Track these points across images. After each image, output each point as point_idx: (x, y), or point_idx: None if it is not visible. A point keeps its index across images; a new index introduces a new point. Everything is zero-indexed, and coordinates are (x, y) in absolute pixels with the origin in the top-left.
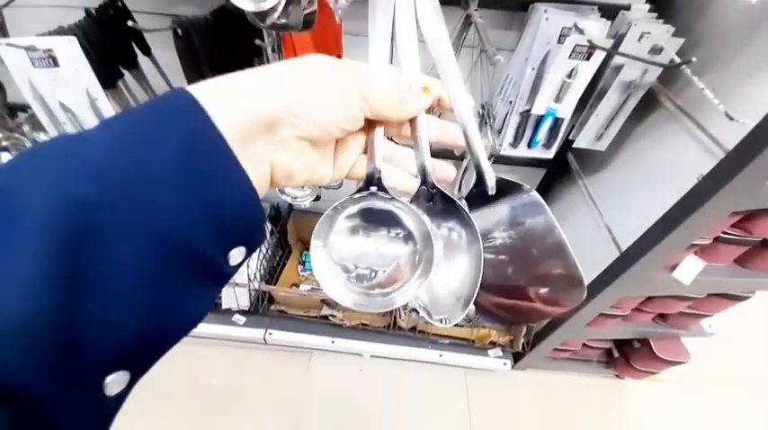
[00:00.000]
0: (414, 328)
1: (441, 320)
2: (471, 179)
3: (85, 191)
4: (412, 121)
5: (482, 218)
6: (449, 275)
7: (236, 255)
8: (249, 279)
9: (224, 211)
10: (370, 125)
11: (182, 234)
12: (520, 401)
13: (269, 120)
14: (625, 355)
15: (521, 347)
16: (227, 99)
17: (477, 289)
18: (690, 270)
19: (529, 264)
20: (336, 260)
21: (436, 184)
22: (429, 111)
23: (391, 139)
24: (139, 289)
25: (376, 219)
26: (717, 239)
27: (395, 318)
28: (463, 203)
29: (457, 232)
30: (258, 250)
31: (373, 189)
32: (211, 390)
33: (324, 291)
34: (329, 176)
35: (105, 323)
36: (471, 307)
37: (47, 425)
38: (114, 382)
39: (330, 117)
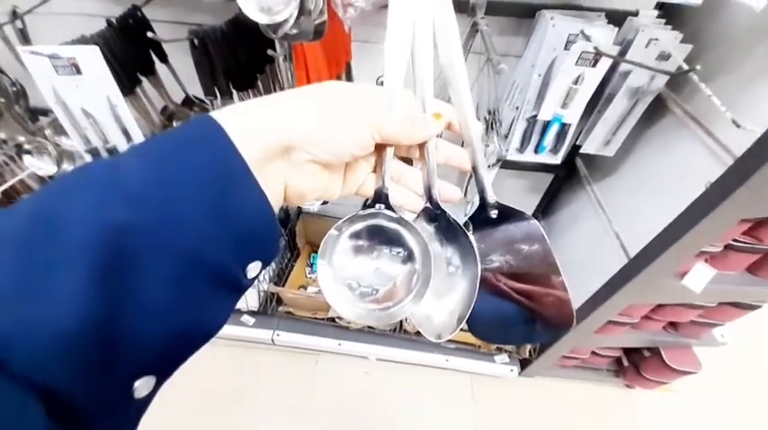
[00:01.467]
0: (419, 332)
1: (434, 336)
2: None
3: (123, 216)
4: (421, 145)
5: (483, 240)
6: (446, 293)
7: (253, 268)
8: (258, 280)
9: (244, 230)
10: (380, 146)
11: (207, 252)
12: (527, 409)
13: (286, 146)
14: (635, 364)
15: (528, 354)
16: (249, 127)
17: (472, 308)
18: (700, 278)
19: (523, 290)
20: (341, 280)
21: (441, 206)
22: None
23: (401, 158)
24: (168, 302)
25: (379, 237)
26: (727, 247)
27: (401, 321)
28: (466, 226)
29: (457, 252)
30: None
31: (380, 206)
32: (219, 390)
33: (331, 305)
34: (339, 193)
35: (138, 333)
36: (464, 324)
37: (82, 423)
38: (142, 386)
39: (343, 146)
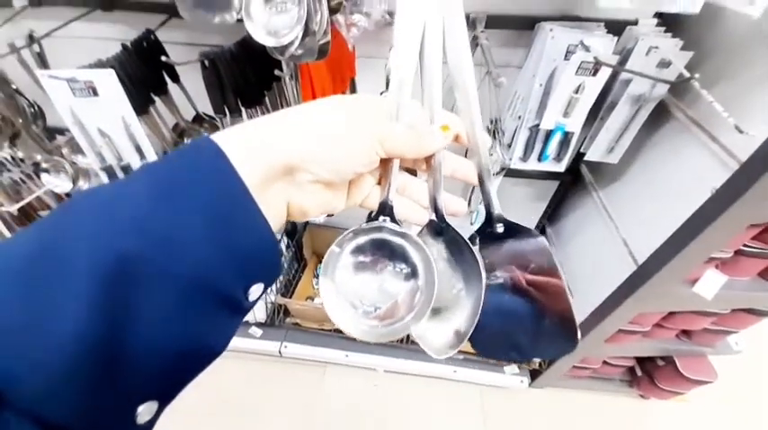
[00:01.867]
0: None
1: (436, 352)
2: (480, 199)
3: (127, 245)
4: (428, 157)
5: (488, 254)
6: (449, 308)
7: (255, 290)
8: (266, 292)
9: (246, 255)
10: (386, 159)
11: (209, 277)
12: (538, 421)
13: (288, 167)
14: (649, 374)
15: (538, 364)
16: (250, 149)
17: (474, 325)
18: (711, 284)
19: (527, 307)
20: (344, 298)
21: (447, 220)
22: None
23: (405, 169)
24: (170, 328)
25: (382, 251)
26: (738, 252)
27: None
28: (472, 240)
29: (462, 267)
30: None
31: (384, 219)
32: (227, 402)
33: (335, 323)
34: (342, 207)
35: (140, 359)
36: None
37: None
38: (145, 412)
39: (346, 164)
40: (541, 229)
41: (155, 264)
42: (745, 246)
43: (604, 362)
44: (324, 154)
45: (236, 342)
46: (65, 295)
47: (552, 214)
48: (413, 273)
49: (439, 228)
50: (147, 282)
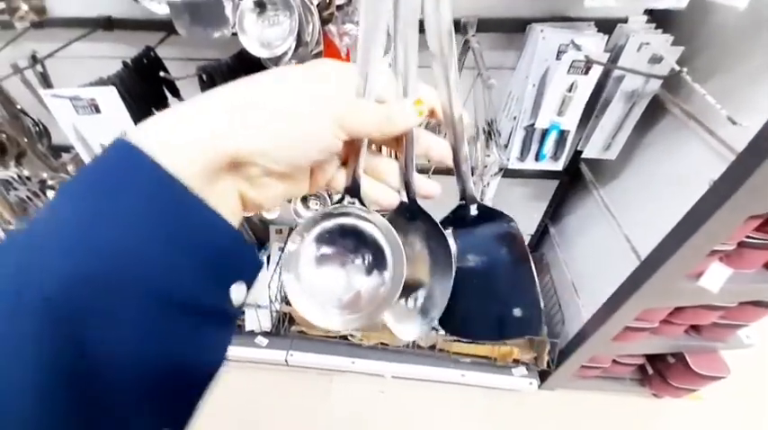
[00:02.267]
0: (433, 346)
1: (406, 336)
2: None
3: (68, 281)
4: (399, 137)
5: (460, 238)
6: (418, 291)
7: (237, 291)
8: (270, 300)
9: (209, 255)
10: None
11: (176, 288)
12: (549, 423)
13: (231, 160)
14: (660, 372)
15: (546, 365)
16: (181, 144)
17: (444, 308)
18: (716, 277)
19: (496, 289)
20: (309, 294)
21: (418, 203)
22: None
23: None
24: (151, 351)
25: (349, 235)
26: (741, 244)
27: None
28: (445, 224)
29: (433, 252)
30: (277, 271)
31: (351, 201)
32: (233, 413)
33: (303, 315)
34: (305, 193)
35: (126, 385)
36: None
37: None
38: None
39: (300, 153)
40: (544, 229)
41: (108, 292)
42: (748, 237)
43: (614, 361)
44: (270, 144)
45: (242, 352)
46: (9, 359)
47: (554, 213)
48: (381, 257)
49: (410, 211)
50: (105, 310)
